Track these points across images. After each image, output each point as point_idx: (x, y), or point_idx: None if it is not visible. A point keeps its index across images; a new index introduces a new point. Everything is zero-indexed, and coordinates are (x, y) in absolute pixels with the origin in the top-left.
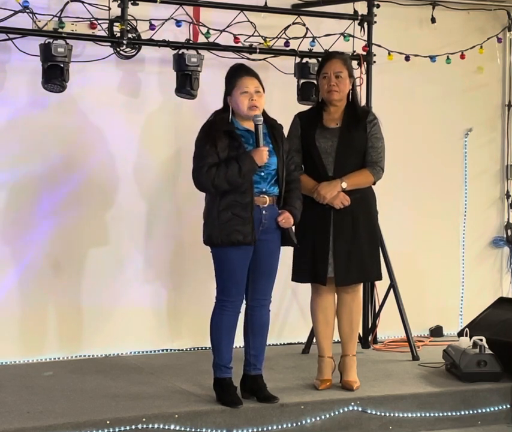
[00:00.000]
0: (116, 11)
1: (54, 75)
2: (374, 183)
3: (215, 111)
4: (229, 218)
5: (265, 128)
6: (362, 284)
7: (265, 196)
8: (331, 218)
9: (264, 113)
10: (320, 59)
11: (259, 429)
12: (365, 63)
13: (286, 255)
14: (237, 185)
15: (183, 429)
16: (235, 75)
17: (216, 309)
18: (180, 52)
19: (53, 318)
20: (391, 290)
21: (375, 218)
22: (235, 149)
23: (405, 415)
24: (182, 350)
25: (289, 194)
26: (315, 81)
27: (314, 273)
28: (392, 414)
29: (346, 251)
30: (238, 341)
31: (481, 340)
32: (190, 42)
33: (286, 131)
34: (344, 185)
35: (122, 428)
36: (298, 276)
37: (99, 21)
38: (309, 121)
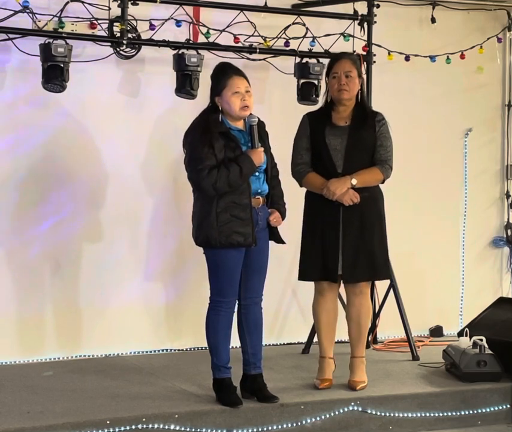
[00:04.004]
0: (116, 11)
1: (54, 75)
2: (383, 182)
3: (203, 111)
4: (228, 219)
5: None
6: (370, 288)
7: (259, 197)
8: (340, 215)
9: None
10: (319, 59)
11: (259, 429)
12: (365, 63)
13: (285, 255)
14: (237, 187)
15: (183, 429)
16: (225, 75)
17: (210, 310)
18: (180, 52)
19: (52, 318)
20: (391, 290)
21: (383, 217)
22: (232, 150)
23: (405, 415)
24: (182, 350)
25: (273, 191)
26: (315, 81)
27: (324, 270)
28: (392, 414)
29: (354, 249)
30: (235, 341)
31: (481, 340)
32: (190, 42)
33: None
34: (354, 181)
35: (122, 428)
36: (306, 274)
37: (99, 21)
38: (318, 120)
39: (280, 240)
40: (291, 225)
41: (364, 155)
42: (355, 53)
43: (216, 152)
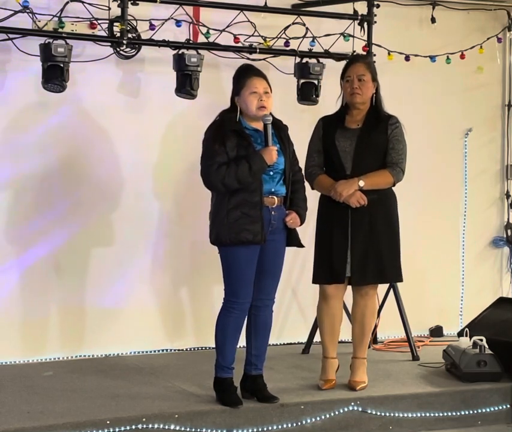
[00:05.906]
0: (116, 11)
1: (54, 75)
2: (394, 185)
3: (222, 111)
4: (238, 216)
5: (272, 128)
6: (377, 290)
7: (274, 197)
8: (348, 218)
9: (271, 114)
10: (319, 59)
11: (259, 429)
12: None
13: (286, 255)
14: (246, 184)
15: (183, 429)
16: (244, 75)
17: (223, 310)
18: (180, 52)
19: (53, 318)
20: (391, 290)
21: (395, 219)
22: (245, 148)
23: (405, 415)
24: (182, 350)
25: (295, 194)
26: (315, 81)
27: (331, 273)
28: (392, 414)
29: (363, 251)
30: (240, 340)
31: (481, 340)
32: (190, 42)
33: (289, 131)
34: (361, 183)
35: (122, 428)
36: (317, 277)
37: (99, 21)
38: (332, 123)
39: (299, 244)
40: None
41: (374, 157)
42: (354, 53)
43: (228, 149)
